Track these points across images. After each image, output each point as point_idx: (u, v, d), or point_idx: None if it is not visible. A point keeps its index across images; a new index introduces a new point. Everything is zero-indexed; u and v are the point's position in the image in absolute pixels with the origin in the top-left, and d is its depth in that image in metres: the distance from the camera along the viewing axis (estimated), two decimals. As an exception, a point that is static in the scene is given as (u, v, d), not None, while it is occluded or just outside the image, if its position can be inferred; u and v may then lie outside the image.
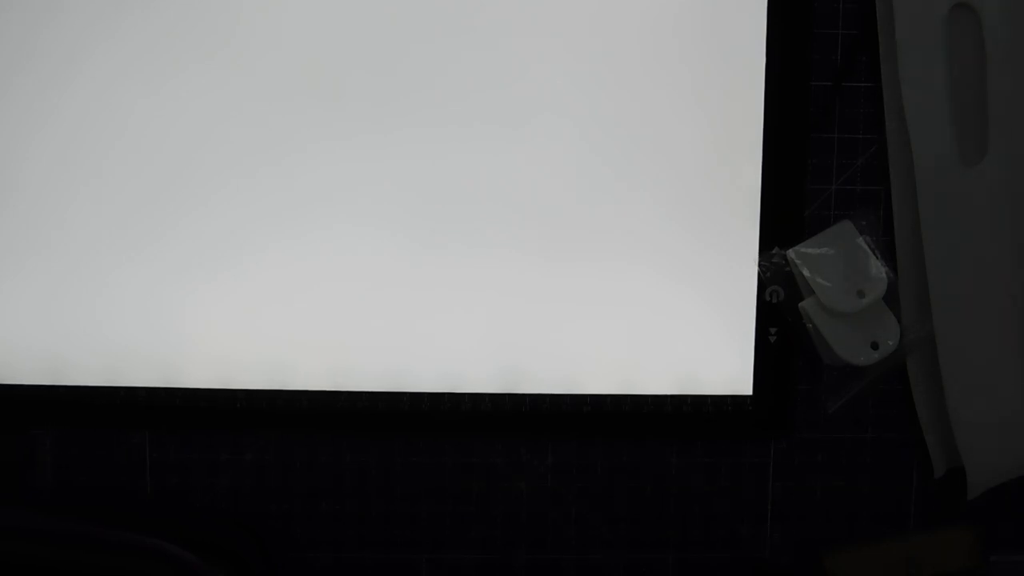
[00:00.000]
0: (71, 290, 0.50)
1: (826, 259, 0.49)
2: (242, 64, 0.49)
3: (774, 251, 0.50)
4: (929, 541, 0.52)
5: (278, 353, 0.51)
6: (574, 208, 0.50)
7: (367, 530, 0.53)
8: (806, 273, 0.49)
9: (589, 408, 0.52)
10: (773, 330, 0.51)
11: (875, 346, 0.49)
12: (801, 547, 0.53)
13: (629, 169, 0.50)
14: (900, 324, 0.49)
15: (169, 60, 0.49)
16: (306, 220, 0.50)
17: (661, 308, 0.51)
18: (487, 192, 0.50)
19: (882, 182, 0.50)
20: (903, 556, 0.52)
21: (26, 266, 0.50)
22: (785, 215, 0.50)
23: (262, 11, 0.48)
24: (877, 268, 0.49)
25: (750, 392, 0.51)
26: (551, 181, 0.50)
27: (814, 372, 0.52)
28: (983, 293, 0.49)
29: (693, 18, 0.49)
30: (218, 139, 0.49)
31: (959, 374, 0.49)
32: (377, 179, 0.50)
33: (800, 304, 0.49)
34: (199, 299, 0.50)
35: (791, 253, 0.50)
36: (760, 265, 0.50)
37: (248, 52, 0.49)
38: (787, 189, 0.50)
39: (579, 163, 0.50)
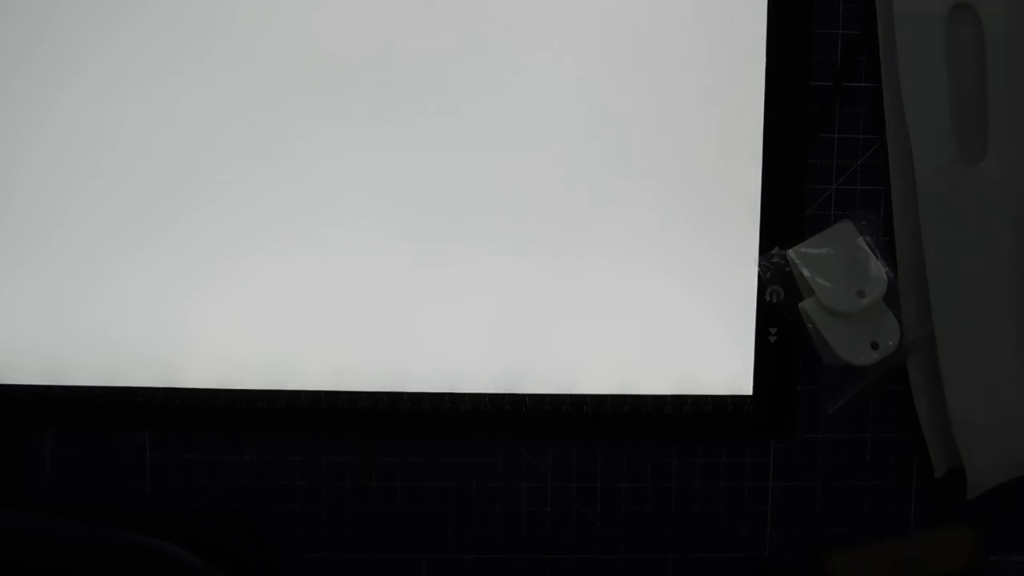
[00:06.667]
0: (71, 290, 0.50)
1: (826, 259, 0.49)
2: (242, 63, 0.49)
3: (774, 251, 0.50)
4: (929, 541, 0.52)
5: (278, 353, 0.51)
6: (574, 207, 0.50)
7: (367, 530, 0.53)
8: (806, 273, 0.49)
9: (589, 408, 0.52)
10: (773, 330, 0.51)
11: (875, 346, 0.49)
12: (801, 547, 0.53)
13: (629, 169, 0.50)
14: (900, 324, 0.49)
15: (169, 59, 0.49)
16: (306, 220, 0.50)
17: (661, 308, 0.51)
18: (487, 191, 0.50)
19: (882, 182, 0.50)
20: (903, 556, 0.52)
21: (26, 266, 0.50)
22: (785, 215, 0.50)
23: (260, 12, 0.48)
24: (877, 268, 0.49)
25: (750, 392, 0.51)
26: (551, 180, 0.50)
27: (814, 372, 0.52)
28: (983, 293, 0.49)
29: (693, 18, 0.49)
30: (217, 139, 0.49)
31: (959, 374, 0.49)
32: (375, 178, 0.50)
33: (800, 304, 0.49)
34: (199, 299, 0.50)
35: (791, 253, 0.50)
36: (760, 265, 0.50)
37: (248, 51, 0.49)
38: (787, 189, 0.50)
39: (579, 162, 0.50)
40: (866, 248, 0.49)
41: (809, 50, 0.50)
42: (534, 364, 0.51)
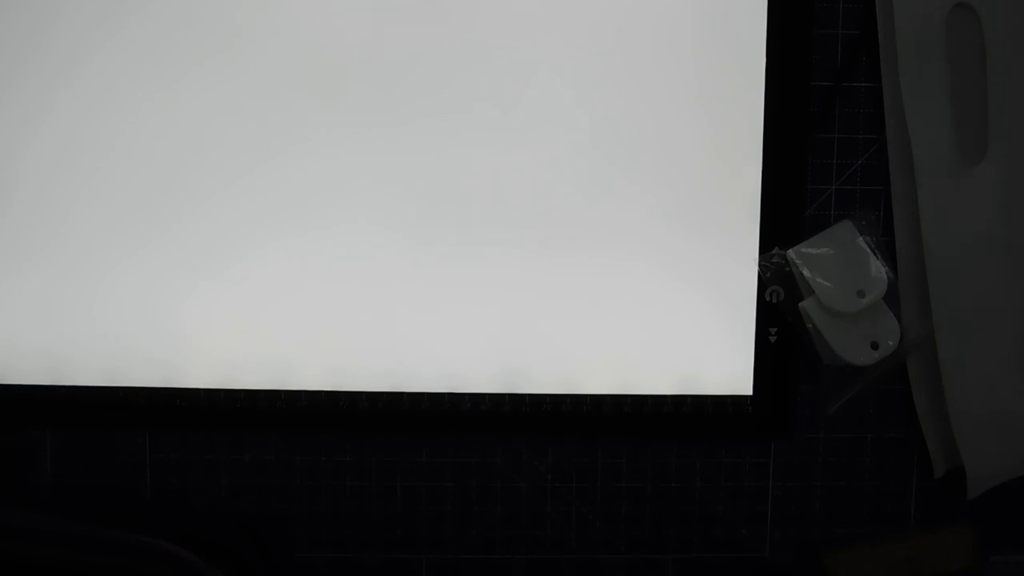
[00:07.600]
0: (71, 290, 0.50)
1: (826, 259, 0.49)
2: (242, 64, 0.49)
3: (774, 251, 0.50)
4: (929, 541, 0.52)
5: (278, 353, 0.51)
6: (574, 207, 0.50)
7: (367, 530, 0.53)
8: (806, 273, 0.49)
9: (589, 408, 0.52)
10: (773, 330, 0.51)
11: (875, 346, 0.49)
12: (801, 547, 0.53)
13: (630, 169, 0.50)
14: (900, 324, 0.49)
15: (169, 61, 0.49)
16: (306, 219, 0.50)
17: (661, 308, 0.51)
18: (487, 191, 0.50)
19: (882, 182, 0.51)
20: (903, 556, 0.52)
21: (26, 266, 0.50)
22: (785, 215, 0.50)
23: (261, 12, 0.48)
24: (877, 268, 0.49)
25: (750, 392, 0.51)
26: (552, 180, 0.50)
27: (814, 372, 0.52)
28: (983, 293, 0.49)
29: (693, 18, 0.49)
30: (217, 139, 0.49)
31: (959, 374, 0.49)
32: (376, 177, 0.50)
33: (800, 304, 0.49)
34: (199, 299, 0.50)
35: (791, 253, 0.50)
36: (760, 265, 0.50)
37: (248, 52, 0.49)
38: (787, 189, 0.50)
39: (580, 162, 0.50)
40: (866, 248, 0.49)
41: (809, 50, 0.50)
42: (534, 364, 0.51)
